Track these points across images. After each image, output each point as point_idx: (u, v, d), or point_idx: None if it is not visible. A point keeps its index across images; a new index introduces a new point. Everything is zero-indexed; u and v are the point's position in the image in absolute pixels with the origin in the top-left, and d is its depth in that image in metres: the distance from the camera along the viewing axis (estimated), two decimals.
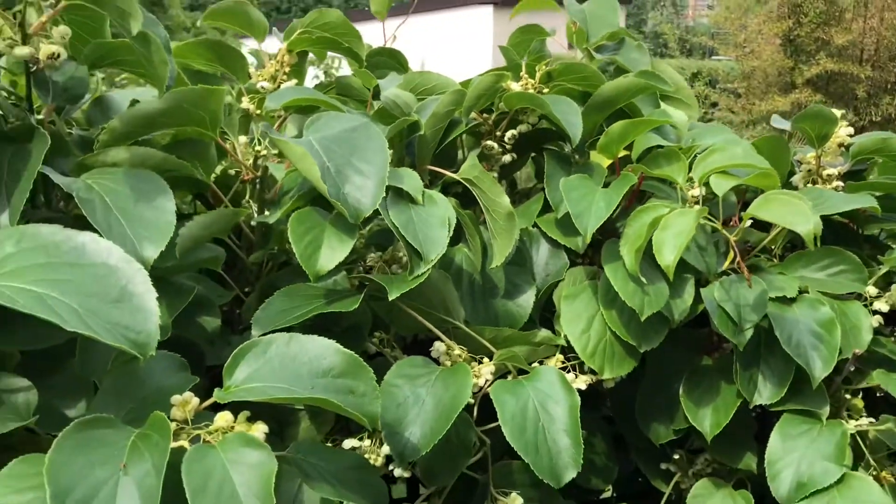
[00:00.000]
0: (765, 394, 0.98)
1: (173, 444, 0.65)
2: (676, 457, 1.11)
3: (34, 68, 0.81)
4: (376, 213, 0.85)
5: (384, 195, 0.85)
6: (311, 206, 0.87)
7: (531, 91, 1.08)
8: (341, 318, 0.94)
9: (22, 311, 0.62)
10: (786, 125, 1.20)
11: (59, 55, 0.79)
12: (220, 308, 1.00)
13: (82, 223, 0.74)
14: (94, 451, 0.62)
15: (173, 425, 0.68)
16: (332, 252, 0.84)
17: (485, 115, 1.12)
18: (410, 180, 0.90)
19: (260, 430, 0.69)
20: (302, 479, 0.77)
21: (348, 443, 0.90)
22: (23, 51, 0.78)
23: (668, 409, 1.06)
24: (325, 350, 0.74)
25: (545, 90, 1.10)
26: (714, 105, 11.46)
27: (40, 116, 0.85)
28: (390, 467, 0.92)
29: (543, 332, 0.99)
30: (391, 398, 0.85)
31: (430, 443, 0.82)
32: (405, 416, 0.84)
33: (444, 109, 1.03)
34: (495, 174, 1.12)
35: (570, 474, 0.84)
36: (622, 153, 1.08)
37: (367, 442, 0.91)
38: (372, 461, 0.89)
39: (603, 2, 1.23)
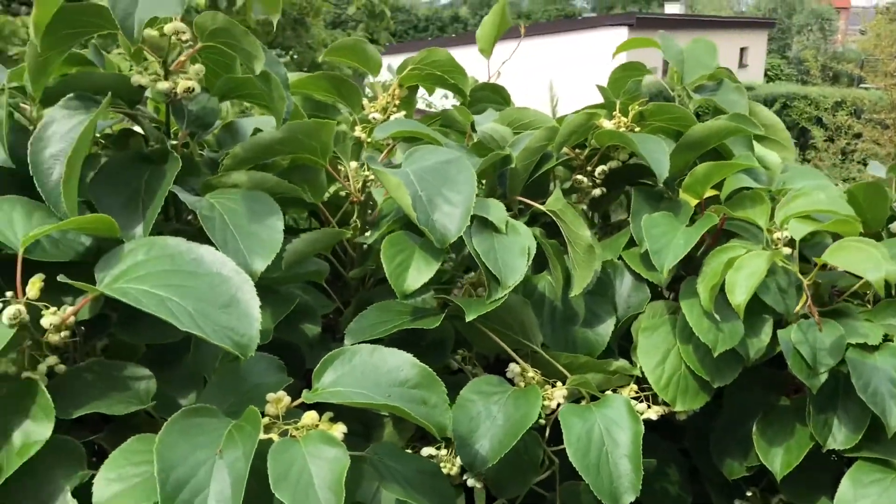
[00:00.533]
0: (839, 438, 0.99)
1: (263, 436, 0.74)
2: (749, 494, 1.12)
3: (173, 99, 0.94)
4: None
5: (469, 223, 0.93)
6: (404, 231, 0.95)
7: (622, 129, 1.12)
8: (426, 334, 1.02)
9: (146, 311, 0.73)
10: (881, 172, 1.19)
11: (193, 89, 0.91)
12: (323, 317, 1.10)
13: (204, 236, 0.85)
14: (196, 437, 0.72)
15: (266, 420, 0.77)
16: (419, 273, 0.92)
17: (577, 150, 1.17)
18: (496, 211, 0.97)
19: (339, 430, 0.77)
20: (377, 479, 0.85)
21: (426, 450, 0.98)
22: (164, 85, 0.90)
23: (742, 445, 1.08)
24: (403, 362, 0.81)
25: (637, 129, 1.14)
26: (858, 136, 10.92)
27: (175, 141, 0.97)
28: (464, 477, 0.99)
29: (619, 362, 1.04)
30: (465, 412, 0.92)
31: (498, 455, 0.88)
32: (476, 429, 0.91)
33: (537, 144, 1.09)
34: (584, 206, 1.17)
35: (629, 498, 0.88)
36: (712, 193, 1.11)
37: (443, 452, 0.98)
38: (447, 470, 0.96)
39: (702, 43, 1.26)
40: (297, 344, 1.03)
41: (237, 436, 0.73)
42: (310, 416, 0.79)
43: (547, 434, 1.00)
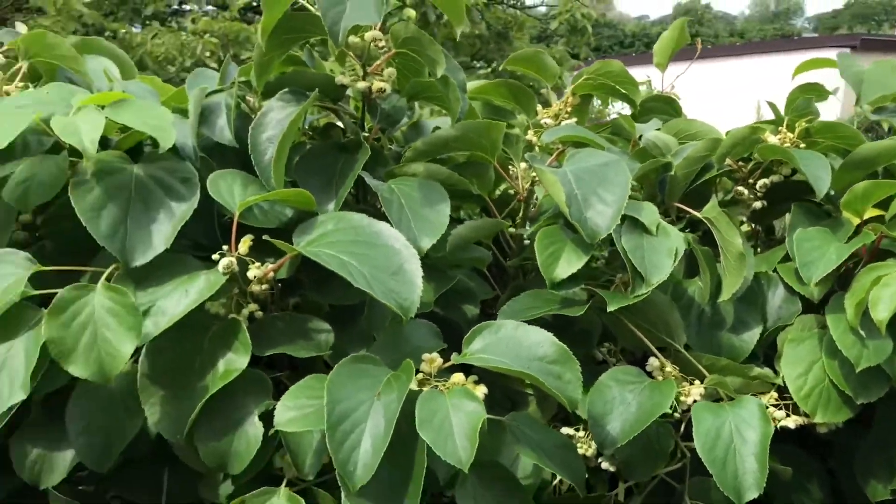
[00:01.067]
0: None
1: (416, 388, 0.86)
2: None
3: (368, 98, 1.08)
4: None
5: (620, 223, 1.00)
6: (558, 225, 1.04)
7: (787, 145, 1.15)
8: (574, 323, 1.10)
9: (330, 270, 0.87)
10: None
11: (385, 90, 1.05)
12: (483, 302, 1.21)
13: (382, 215, 0.99)
14: (360, 379, 0.85)
15: (420, 376, 0.89)
16: (568, 264, 1.00)
17: (741, 163, 1.20)
18: (648, 213, 1.03)
19: (481, 390, 0.87)
20: (513, 442, 0.94)
21: (565, 430, 1.06)
22: (361, 85, 1.05)
23: (888, 467, 1.06)
24: (543, 340, 0.90)
25: (802, 145, 1.16)
26: None
27: (367, 134, 1.12)
28: (599, 460, 1.06)
29: (761, 369, 1.06)
30: (601, 395, 0.99)
31: (628, 436, 0.94)
32: (610, 412, 0.98)
33: (698, 154, 1.14)
34: (743, 218, 1.20)
35: (752, 494, 0.91)
36: (876, 213, 1.10)
37: (581, 433, 1.06)
38: (582, 451, 1.04)
39: (885, 64, 1.25)
40: (457, 322, 1.14)
41: (394, 383, 0.85)
42: (457, 377, 0.89)
43: (682, 430, 1.04)
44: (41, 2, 5.18)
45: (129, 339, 0.83)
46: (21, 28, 1.14)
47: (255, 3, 7.85)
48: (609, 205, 1.01)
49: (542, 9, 10.54)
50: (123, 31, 6.24)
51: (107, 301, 0.84)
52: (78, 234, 0.98)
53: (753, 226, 1.27)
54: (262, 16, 0.99)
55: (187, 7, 7.79)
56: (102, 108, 0.92)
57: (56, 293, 0.86)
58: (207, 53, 5.75)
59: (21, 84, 1.07)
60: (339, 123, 1.22)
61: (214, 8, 7.64)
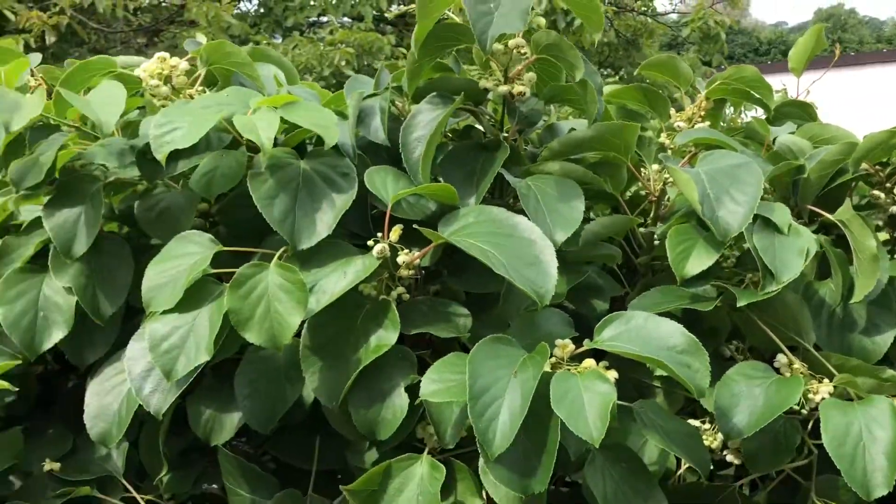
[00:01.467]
0: None
1: (548, 370, 0.93)
2: None
3: (508, 101, 1.16)
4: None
5: (752, 222, 1.03)
6: (690, 224, 1.08)
7: None
8: (703, 320, 1.13)
9: (468, 260, 0.95)
10: None
11: (525, 93, 1.13)
12: (613, 299, 1.26)
13: (517, 212, 1.06)
14: (498, 358, 0.93)
15: (553, 359, 0.96)
16: (699, 261, 1.04)
17: (878, 167, 1.20)
18: (780, 213, 1.06)
19: (612, 374, 0.93)
20: (641, 427, 0.99)
21: (691, 422, 1.09)
22: (503, 89, 1.13)
23: None
24: (674, 330, 0.95)
25: None
26: None
27: (506, 135, 1.19)
28: (723, 452, 1.09)
29: (894, 372, 1.06)
30: (728, 388, 1.02)
31: (753, 428, 0.97)
32: (736, 404, 1.01)
33: (832, 157, 1.15)
34: (880, 223, 1.20)
35: (881, 491, 0.92)
36: None
37: (706, 426, 1.09)
38: (708, 443, 1.07)
39: None
40: (586, 315, 1.20)
41: (529, 363, 0.92)
42: (588, 362, 0.95)
43: (809, 427, 1.06)
44: (194, 14, 5.57)
45: (297, 311, 0.94)
46: (201, 39, 1.28)
47: (386, 15, 8.13)
48: (741, 204, 1.04)
49: (673, 16, 10.37)
50: (266, 41, 6.61)
51: (278, 278, 0.95)
52: (248, 220, 1.10)
53: (893, 234, 1.26)
54: (394, 26, 1.09)
55: (324, 19, 8.15)
56: (276, 109, 1.04)
57: (229, 271, 0.98)
58: (343, 62, 6.01)
59: (200, 88, 1.21)
60: (478, 125, 1.30)
61: (350, 20, 7.95)
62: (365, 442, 1.07)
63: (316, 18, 8.20)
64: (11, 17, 4.92)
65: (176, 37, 6.69)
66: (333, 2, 7.56)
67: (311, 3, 7.65)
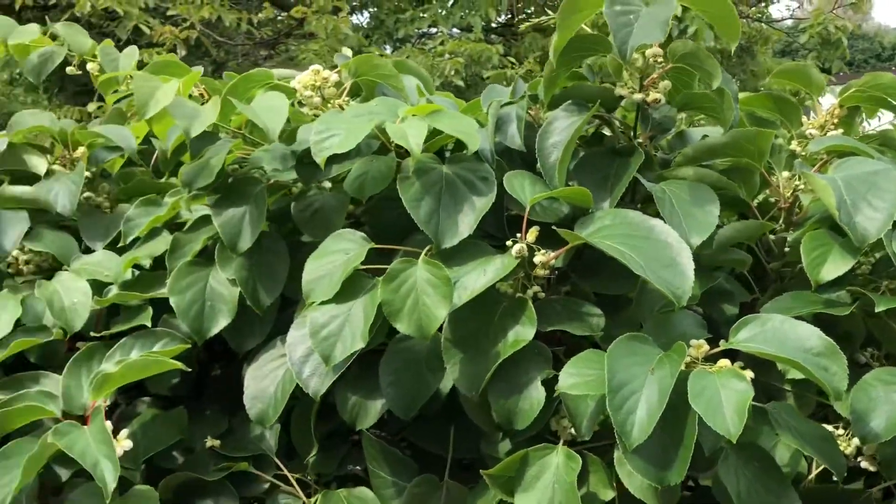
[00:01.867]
0: None
1: (684, 369, 0.96)
2: None
3: (642, 108, 1.20)
4: None
5: (891, 228, 1.03)
6: (824, 229, 1.09)
7: None
8: (838, 325, 1.13)
9: (598, 262, 1.00)
10: None
11: (659, 101, 1.16)
12: (742, 304, 1.27)
13: (651, 214, 1.09)
14: (635, 355, 0.97)
15: (687, 359, 0.99)
16: (834, 266, 1.05)
17: None
18: None
19: (748, 374, 0.95)
20: (774, 428, 1.01)
21: (827, 427, 1.10)
22: (638, 96, 1.17)
23: None
24: (810, 333, 0.97)
25: None
26: None
27: (640, 140, 1.23)
28: (857, 459, 1.09)
29: None
30: (865, 393, 1.02)
31: (891, 433, 0.97)
32: (874, 409, 1.01)
33: None
34: None
35: None
36: None
37: (840, 431, 1.09)
38: (843, 448, 1.08)
39: None
40: (716, 319, 1.22)
41: (666, 361, 0.95)
42: (724, 362, 0.98)
43: None
44: (313, 27, 5.80)
45: (443, 305, 1.00)
46: (347, 52, 1.38)
47: (493, 26, 8.21)
48: (879, 211, 1.04)
49: (788, 22, 10.04)
50: (378, 52, 6.79)
51: (426, 273, 1.02)
52: (392, 221, 1.19)
53: None
54: (502, 37, 1.14)
55: (434, 30, 8.31)
56: (423, 117, 1.11)
57: (376, 267, 1.06)
58: (453, 72, 6.12)
59: (346, 98, 1.30)
60: (607, 131, 1.34)
61: (458, 30, 8.08)
62: (498, 433, 1.13)
63: (426, 30, 8.37)
64: (147, 31, 5.26)
65: (289, 50, 6.98)
66: (443, 13, 7.71)
67: (422, 15, 7.82)
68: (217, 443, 1.18)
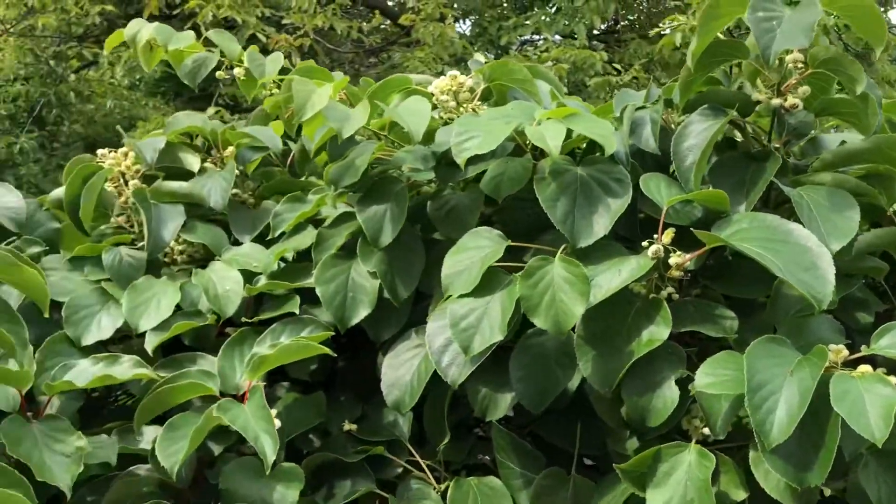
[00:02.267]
0: None
1: (823, 373, 0.96)
2: None
3: (779, 113, 1.20)
4: None
5: None
6: None
7: None
8: None
9: (732, 265, 1.01)
10: None
11: (797, 106, 1.16)
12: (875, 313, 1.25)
13: (788, 217, 1.09)
14: (773, 357, 0.97)
15: (826, 363, 0.98)
16: None
17: None
18: None
19: (893, 379, 0.94)
20: None
21: None
22: (776, 101, 1.17)
23: None
24: None
25: None
26: None
27: (777, 145, 1.23)
28: None
29: None
30: None
31: None
32: None
33: None
34: None
35: None
36: None
37: None
38: None
39: None
40: (851, 327, 1.20)
41: (806, 363, 0.96)
42: (864, 368, 0.97)
43: None
44: (420, 34, 5.92)
45: (579, 302, 1.03)
46: (480, 58, 1.42)
47: (595, 32, 8.16)
48: None
49: None
50: (483, 59, 6.85)
51: (563, 271, 1.06)
52: (523, 220, 1.22)
53: None
54: (605, 43, 1.16)
55: (536, 37, 8.32)
56: (560, 120, 1.14)
57: (509, 264, 1.10)
58: (557, 78, 6.12)
59: (478, 102, 1.35)
60: (738, 135, 1.34)
61: (561, 37, 8.07)
62: (626, 430, 1.15)
63: (528, 37, 8.40)
64: (263, 38, 5.48)
65: (391, 57, 7.13)
66: (546, 21, 7.72)
67: (525, 22, 7.84)
68: (354, 427, 1.24)
